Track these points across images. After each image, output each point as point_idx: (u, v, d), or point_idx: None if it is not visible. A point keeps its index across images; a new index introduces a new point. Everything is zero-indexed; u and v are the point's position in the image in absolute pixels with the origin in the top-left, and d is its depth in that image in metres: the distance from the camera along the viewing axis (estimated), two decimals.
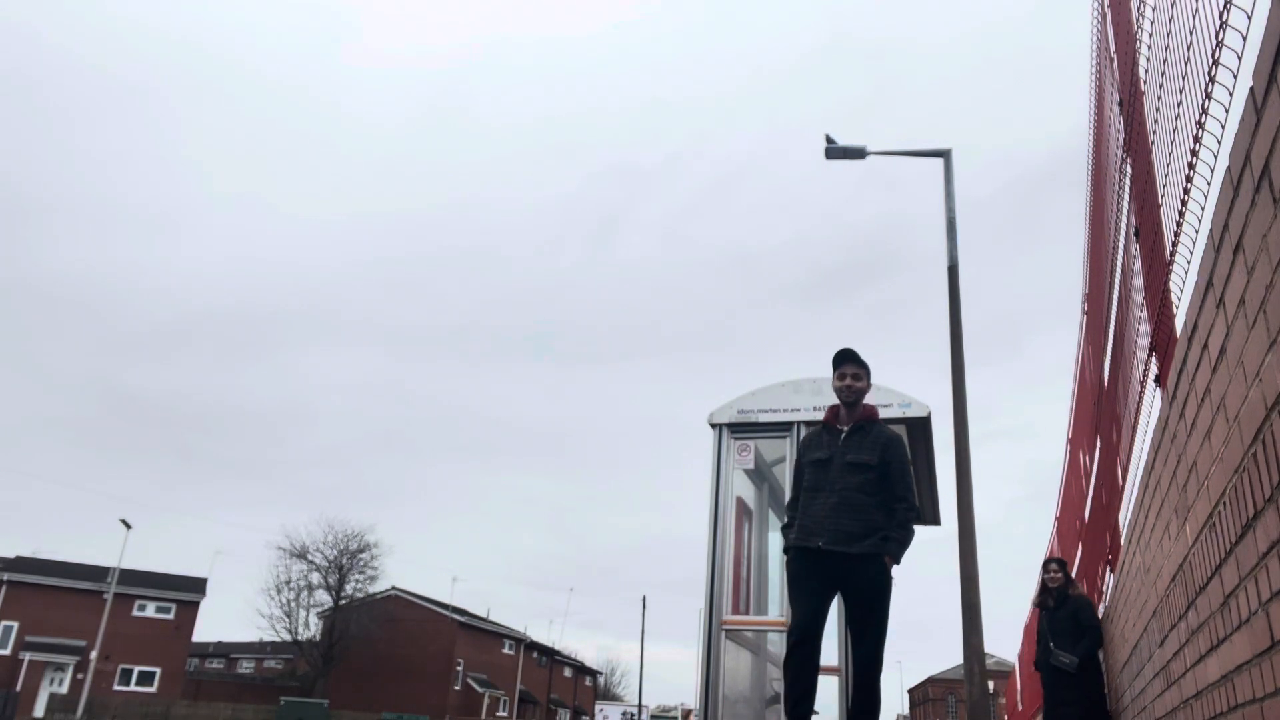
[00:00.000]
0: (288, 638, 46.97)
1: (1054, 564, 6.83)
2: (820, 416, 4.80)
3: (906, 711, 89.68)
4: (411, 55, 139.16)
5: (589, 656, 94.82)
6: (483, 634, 54.02)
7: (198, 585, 45.63)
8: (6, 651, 39.86)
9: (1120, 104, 4.04)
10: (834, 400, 4.65)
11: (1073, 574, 8.01)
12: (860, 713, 4.35)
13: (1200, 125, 2.27)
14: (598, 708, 63.74)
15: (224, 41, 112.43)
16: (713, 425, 6.33)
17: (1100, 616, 6.62)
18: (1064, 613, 6.50)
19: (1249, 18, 1.83)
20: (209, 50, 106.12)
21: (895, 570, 4.36)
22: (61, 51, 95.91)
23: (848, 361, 4.58)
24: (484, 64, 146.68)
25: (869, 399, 4.69)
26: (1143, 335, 3.78)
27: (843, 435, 4.48)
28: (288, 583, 46.79)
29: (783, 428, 6.19)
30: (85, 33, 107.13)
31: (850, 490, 4.31)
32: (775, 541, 6.57)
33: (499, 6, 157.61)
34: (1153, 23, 2.98)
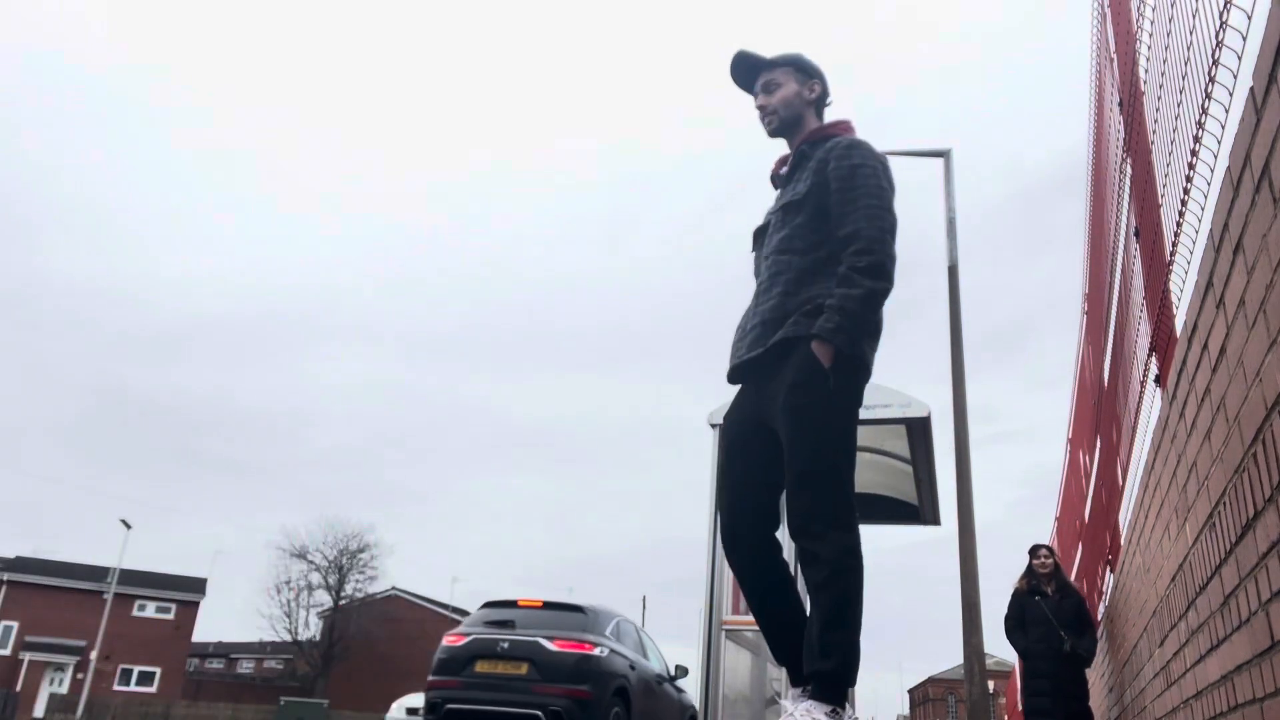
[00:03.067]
0: (288, 638, 46.99)
1: (1044, 549, 6.63)
2: None
3: (907, 712, 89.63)
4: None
5: None
6: None
7: (198, 585, 45.64)
8: (6, 651, 39.88)
9: (1120, 104, 4.04)
10: None
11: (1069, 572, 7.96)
12: (822, 641, 2.12)
13: (1200, 125, 2.27)
14: None
15: (231, 48, 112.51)
16: (713, 425, 6.33)
17: (1100, 616, 6.62)
18: (1069, 604, 6.40)
19: (1249, 18, 1.83)
20: (214, 54, 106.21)
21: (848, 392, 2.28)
22: (67, 54, 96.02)
23: (752, 74, 2.72)
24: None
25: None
26: (1143, 335, 3.78)
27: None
28: (288, 583, 46.84)
29: None
30: (91, 40, 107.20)
31: (777, 254, 2.52)
32: None
33: (509, 10, 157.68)
34: (1153, 23, 2.98)
